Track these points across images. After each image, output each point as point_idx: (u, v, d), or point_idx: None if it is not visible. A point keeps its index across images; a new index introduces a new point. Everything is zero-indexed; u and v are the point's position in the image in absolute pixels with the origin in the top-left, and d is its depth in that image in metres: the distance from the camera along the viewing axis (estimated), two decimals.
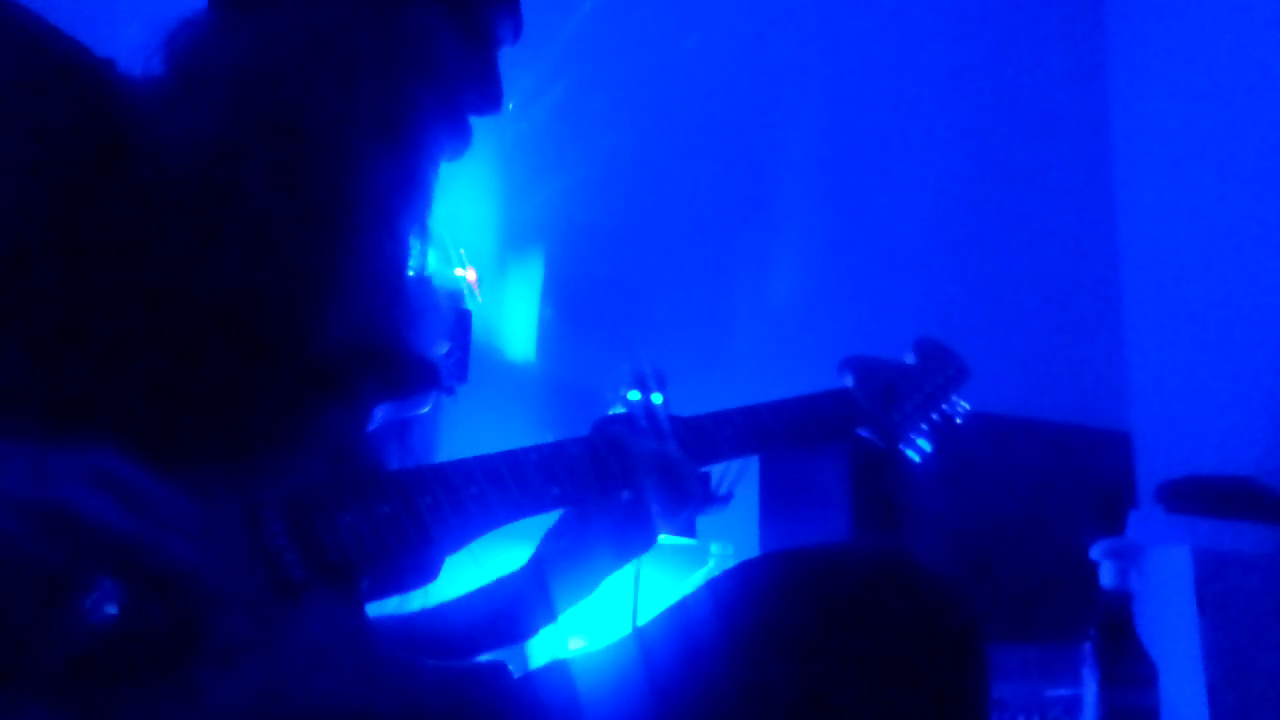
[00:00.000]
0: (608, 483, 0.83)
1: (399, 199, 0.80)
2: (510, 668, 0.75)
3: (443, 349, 0.88)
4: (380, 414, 0.80)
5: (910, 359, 1.11)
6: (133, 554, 0.55)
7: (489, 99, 0.89)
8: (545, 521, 0.86)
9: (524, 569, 0.87)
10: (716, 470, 1.37)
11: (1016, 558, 1.91)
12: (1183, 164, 2.64)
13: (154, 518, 0.56)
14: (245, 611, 0.64)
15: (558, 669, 0.75)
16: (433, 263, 0.87)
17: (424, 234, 0.83)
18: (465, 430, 0.94)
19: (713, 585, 0.76)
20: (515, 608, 0.86)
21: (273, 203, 0.73)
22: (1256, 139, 2.43)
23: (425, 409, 0.84)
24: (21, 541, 0.53)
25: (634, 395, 1.26)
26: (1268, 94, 2.42)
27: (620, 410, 1.17)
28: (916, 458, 1.08)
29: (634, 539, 0.85)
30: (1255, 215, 2.41)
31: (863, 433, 1.05)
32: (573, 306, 2.07)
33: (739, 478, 1.33)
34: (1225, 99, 2.53)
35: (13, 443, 0.56)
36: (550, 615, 0.86)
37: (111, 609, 0.54)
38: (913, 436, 1.08)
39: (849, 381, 1.04)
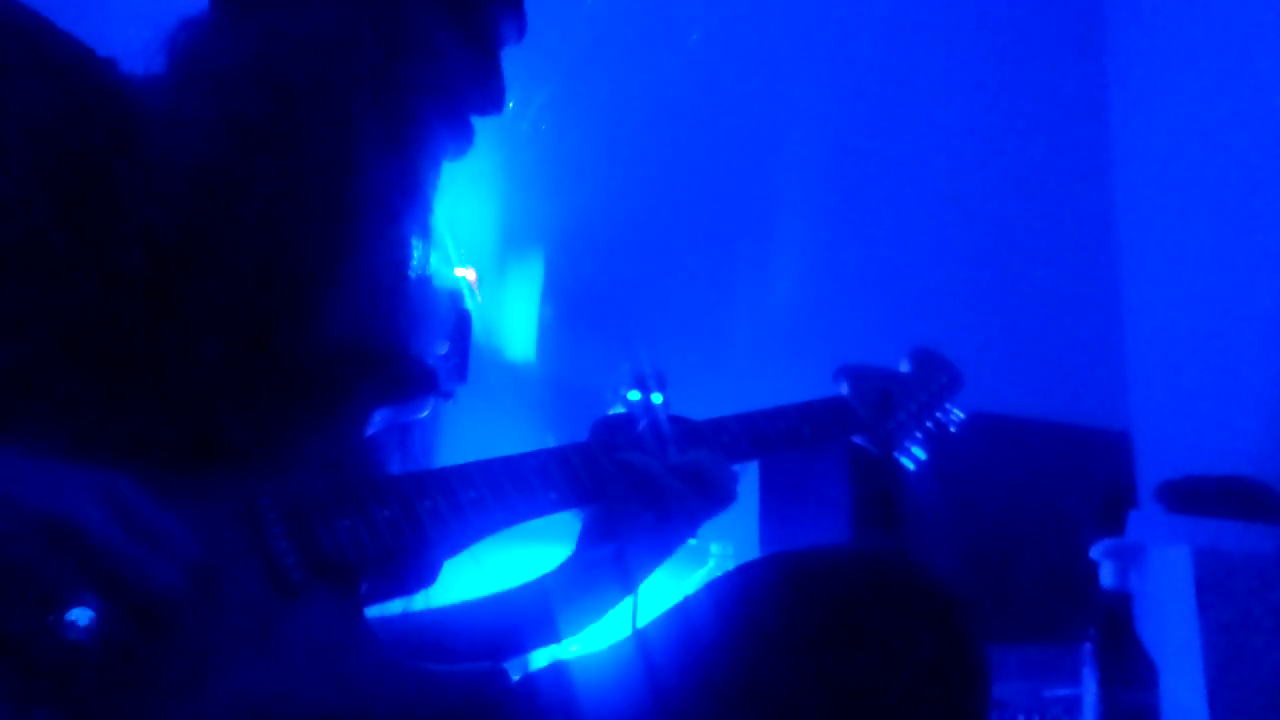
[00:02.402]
0: (606, 487, 0.84)
1: (400, 199, 0.80)
2: (508, 670, 0.75)
3: (442, 349, 0.88)
4: (379, 418, 0.80)
5: (905, 367, 1.12)
6: (121, 575, 0.56)
7: (491, 99, 0.89)
8: (546, 524, 0.86)
9: (530, 587, 0.88)
10: None
11: (1016, 558, 1.91)
12: (1183, 165, 2.64)
13: (151, 542, 0.57)
14: (245, 613, 0.64)
15: (557, 670, 0.75)
16: (433, 263, 0.86)
17: (425, 234, 0.83)
18: (465, 430, 0.94)
19: (713, 586, 0.77)
20: (518, 626, 0.86)
21: (273, 203, 0.73)
22: (1256, 139, 2.43)
23: (424, 413, 0.84)
24: (12, 544, 0.53)
25: (634, 395, 1.25)
26: (1268, 94, 2.42)
27: (620, 410, 1.17)
28: (911, 465, 1.09)
29: (665, 546, 0.86)
30: (1255, 216, 2.41)
31: (858, 440, 1.06)
32: (573, 306, 2.07)
33: (739, 477, 1.34)
34: (1225, 99, 2.53)
35: (28, 453, 0.57)
36: (554, 637, 0.86)
37: (88, 626, 0.54)
38: (907, 444, 1.09)
39: (844, 389, 1.05)
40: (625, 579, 0.86)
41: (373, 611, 0.75)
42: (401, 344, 0.80)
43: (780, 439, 0.95)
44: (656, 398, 1.17)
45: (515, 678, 0.75)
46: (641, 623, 0.79)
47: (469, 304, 1.66)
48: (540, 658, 0.86)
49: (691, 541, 0.90)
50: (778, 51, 2.45)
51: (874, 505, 1.75)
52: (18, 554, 0.53)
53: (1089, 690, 1.30)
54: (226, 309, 0.70)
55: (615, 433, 0.89)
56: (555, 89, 2.02)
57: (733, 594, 0.74)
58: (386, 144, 0.78)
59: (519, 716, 0.72)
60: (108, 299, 0.67)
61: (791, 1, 2.50)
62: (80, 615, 0.54)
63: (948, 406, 1.13)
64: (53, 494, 0.55)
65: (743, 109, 2.38)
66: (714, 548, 1.74)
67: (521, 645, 0.87)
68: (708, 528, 0.91)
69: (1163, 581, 1.57)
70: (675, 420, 0.91)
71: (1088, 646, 1.31)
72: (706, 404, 0.95)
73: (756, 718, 0.68)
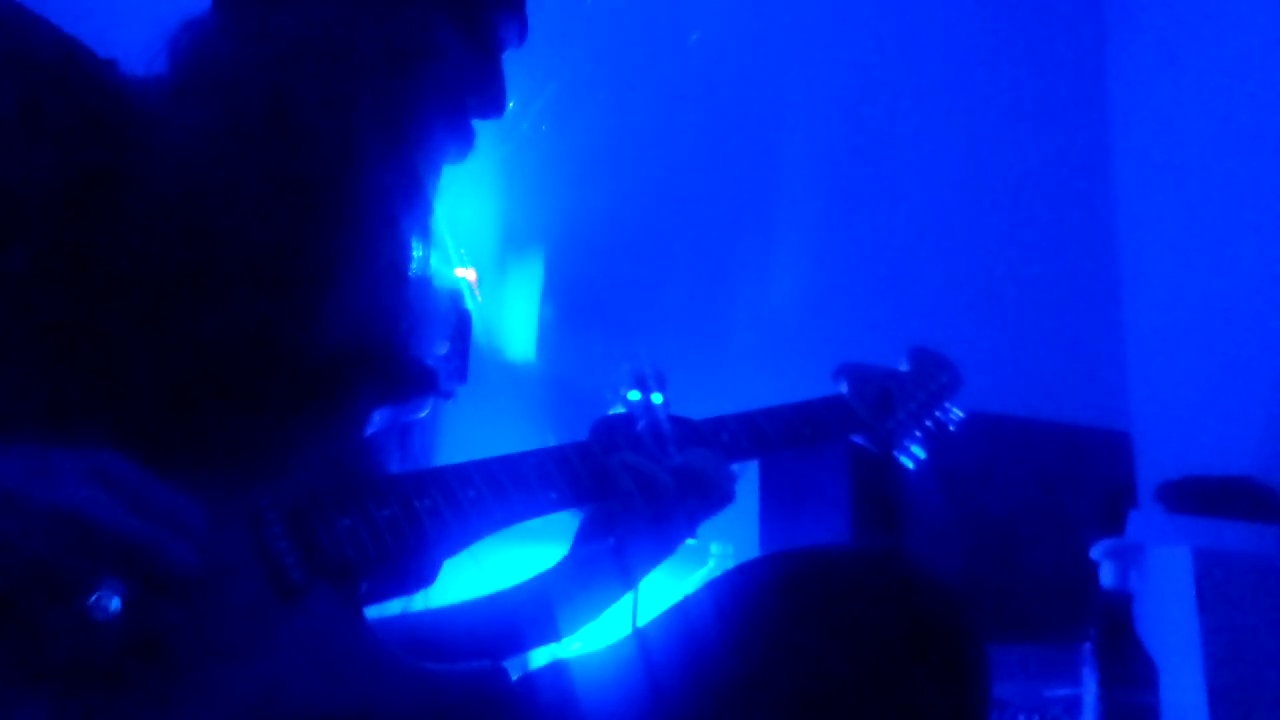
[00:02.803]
0: (606, 487, 0.84)
1: (400, 200, 0.80)
2: (508, 670, 0.75)
3: (442, 350, 0.88)
4: (379, 418, 0.80)
5: (904, 366, 1.12)
6: (137, 554, 0.55)
7: (492, 102, 0.89)
8: (546, 524, 0.86)
9: (528, 585, 0.88)
10: None
11: (1017, 558, 1.91)
12: (1183, 164, 2.64)
13: (157, 518, 0.57)
14: (245, 612, 0.64)
15: (557, 669, 0.75)
16: (433, 263, 0.87)
17: (425, 236, 0.83)
18: (465, 430, 0.94)
19: (713, 586, 0.77)
20: (518, 625, 0.86)
21: (274, 205, 0.73)
22: (1256, 139, 2.43)
23: (424, 413, 0.85)
24: (25, 541, 0.53)
25: (634, 395, 1.26)
26: (1268, 94, 2.42)
27: (620, 410, 1.17)
28: (910, 464, 1.09)
29: (664, 546, 0.87)
30: (1255, 216, 2.41)
31: (858, 439, 1.06)
32: (573, 306, 2.07)
33: (737, 478, 1.34)
34: (1225, 99, 2.53)
35: (16, 443, 0.57)
36: (554, 635, 0.86)
37: (115, 608, 0.54)
38: (907, 443, 1.09)
39: (844, 388, 1.05)
40: (623, 575, 0.86)
41: (373, 611, 0.76)
42: (401, 344, 0.80)
43: (780, 438, 0.96)
44: (656, 398, 1.17)
45: (515, 677, 0.75)
46: (641, 622, 0.79)
47: (469, 304, 1.66)
48: (540, 657, 0.86)
49: (691, 541, 0.91)
50: (778, 51, 2.45)
51: (874, 505, 1.75)
52: (29, 550, 0.53)
53: (1089, 690, 1.30)
54: (227, 310, 0.70)
55: (615, 433, 0.89)
56: (556, 90, 2.02)
57: (733, 594, 0.75)
58: (387, 146, 0.78)
59: (519, 716, 0.72)
60: (108, 300, 0.67)
61: (791, 1, 2.50)
62: (106, 600, 0.54)
63: (947, 406, 1.13)
64: (53, 484, 0.55)
65: (743, 109, 2.38)
66: (714, 548, 1.73)
67: (521, 644, 0.87)
68: (708, 527, 0.91)
69: (1163, 581, 1.57)
70: (675, 420, 0.91)
71: (1088, 646, 1.31)
72: (706, 404, 0.95)
73: (756, 717, 0.68)
